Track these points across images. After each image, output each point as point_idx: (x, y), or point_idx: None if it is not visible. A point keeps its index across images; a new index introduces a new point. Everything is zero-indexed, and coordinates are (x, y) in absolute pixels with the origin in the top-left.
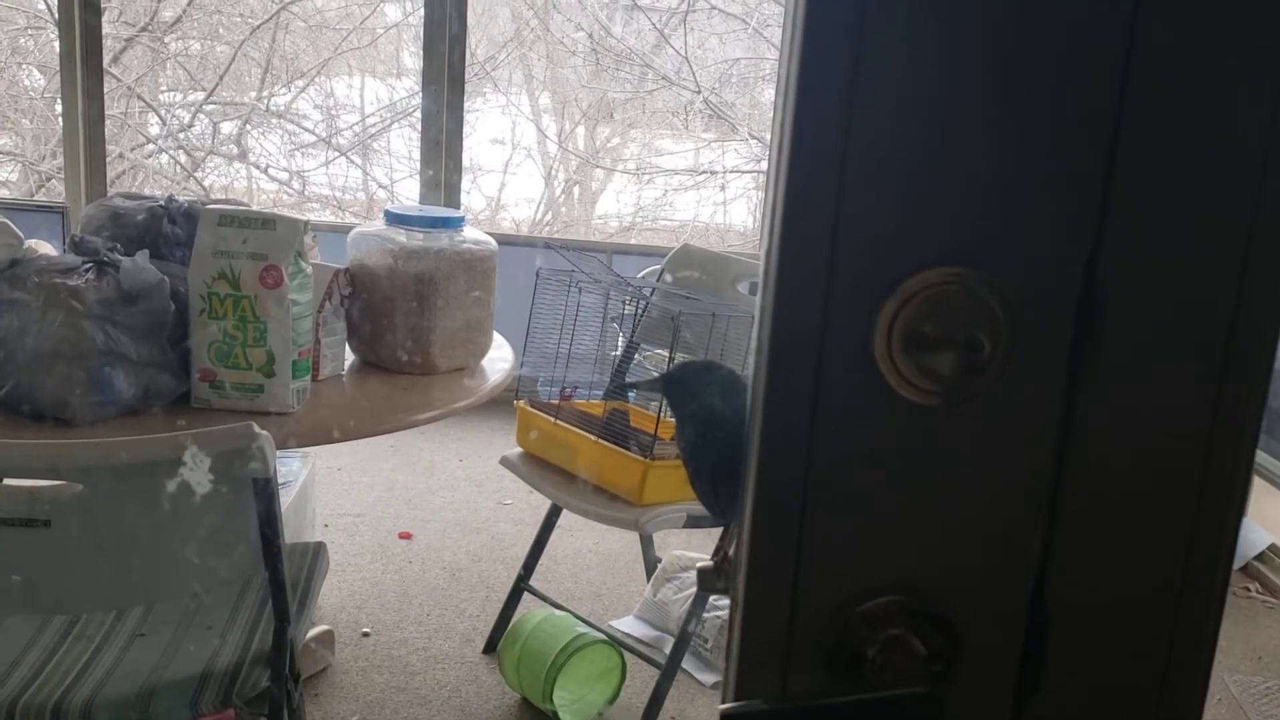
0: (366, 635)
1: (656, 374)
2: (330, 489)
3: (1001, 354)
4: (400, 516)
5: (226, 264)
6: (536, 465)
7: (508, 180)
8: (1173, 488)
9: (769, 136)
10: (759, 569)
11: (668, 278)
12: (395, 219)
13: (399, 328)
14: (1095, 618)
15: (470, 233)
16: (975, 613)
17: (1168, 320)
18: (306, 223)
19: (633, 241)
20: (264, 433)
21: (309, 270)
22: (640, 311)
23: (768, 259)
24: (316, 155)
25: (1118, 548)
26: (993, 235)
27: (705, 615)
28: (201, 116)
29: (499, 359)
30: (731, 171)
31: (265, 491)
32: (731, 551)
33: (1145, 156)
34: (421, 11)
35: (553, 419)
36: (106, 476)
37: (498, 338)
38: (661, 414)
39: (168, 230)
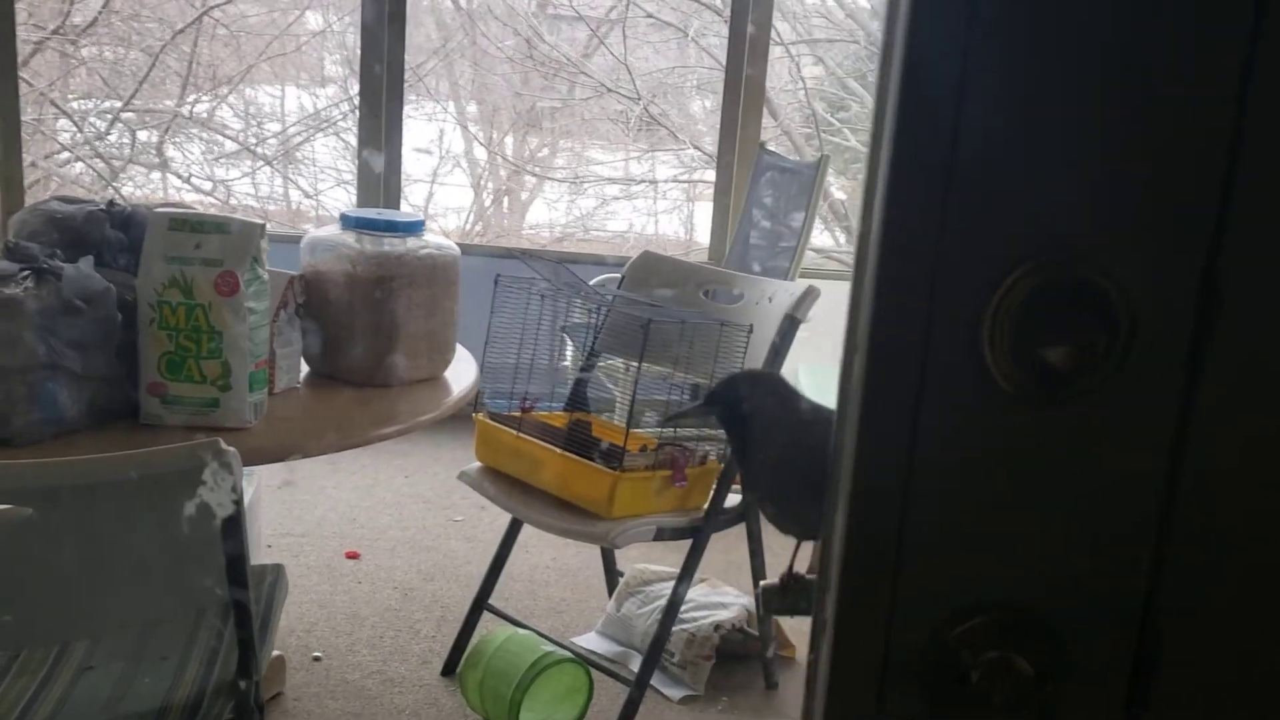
0: (318, 660)
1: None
2: (271, 508)
3: (1118, 350)
4: (346, 536)
5: (178, 270)
6: (497, 480)
7: (435, 190)
8: None
9: (707, 144)
10: (853, 585)
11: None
12: (352, 223)
13: (358, 337)
14: (1211, 633)
15: (431, 237)
16: (1082, 629)
17: None
18: (263, 226)
19: (566, 250)
20: (230, 449)
21: (266, 277)
22: (602, 320)
23: (863, 246)
24: (240, 164)
25: (1234, 558)
26: (1109, 222)
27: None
28: (118, 124)
29: (463, 370)
30: (670, 181)
31: (233, 512)
32: (802, 570)
33: (1268, 143)
34: (346, 19)
35: (514, 432)
36: (51, 499)
37: (459, 348)
38: (630, 426)
39: (110, 235)
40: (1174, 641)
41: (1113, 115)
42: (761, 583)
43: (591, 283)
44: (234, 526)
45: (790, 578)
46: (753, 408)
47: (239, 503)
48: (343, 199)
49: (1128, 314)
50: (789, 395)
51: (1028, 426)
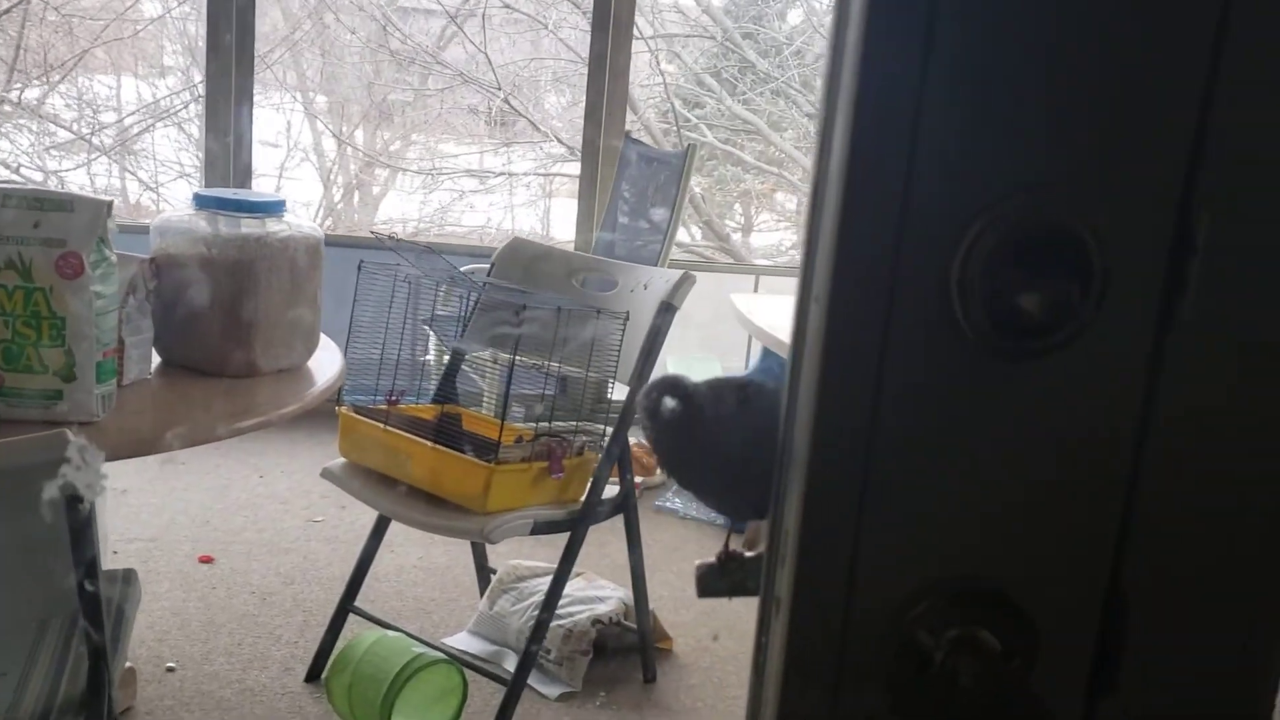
0: (171, 670)
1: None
2: (116, 511)
3: (1092, 300)
4: (199, 539)
5: (15, 251)
6: (362, 476)
7: (283, 184)
8: (1270, 459)
9: (564, 137)
10: (811, 558)
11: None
12: (207, 203)
13: (214, 325)
14: (1178, 607)
15: (292, 219)
16: (1046, 602)
17: (1273, 262)
18: (110, 203)
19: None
20: (80, 440)
21: (114, 259)
22: (470, 310)
23: (819, 190)
24: (74, 155)
25: (1204, 527)
26: (1082, 167)
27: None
28: None
29: (326, 360)
30: (532, 174)
31: (80, 510)
32: (740, 548)
33: (1240, 89)
34: (186, 6)
35: (381, 425)
36: None
37: (323, 338)
38: (505, 418)
39: None
40: (1139, 622)
41: (1085, 57)
42: (697, 562)
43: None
44: (85, 527)
45: (728, 556)
46: (685, 408)
47: (90, 500)
48: (186, 192)
49: (1101, 262)
50: (720, 385)
51: (998, 381)
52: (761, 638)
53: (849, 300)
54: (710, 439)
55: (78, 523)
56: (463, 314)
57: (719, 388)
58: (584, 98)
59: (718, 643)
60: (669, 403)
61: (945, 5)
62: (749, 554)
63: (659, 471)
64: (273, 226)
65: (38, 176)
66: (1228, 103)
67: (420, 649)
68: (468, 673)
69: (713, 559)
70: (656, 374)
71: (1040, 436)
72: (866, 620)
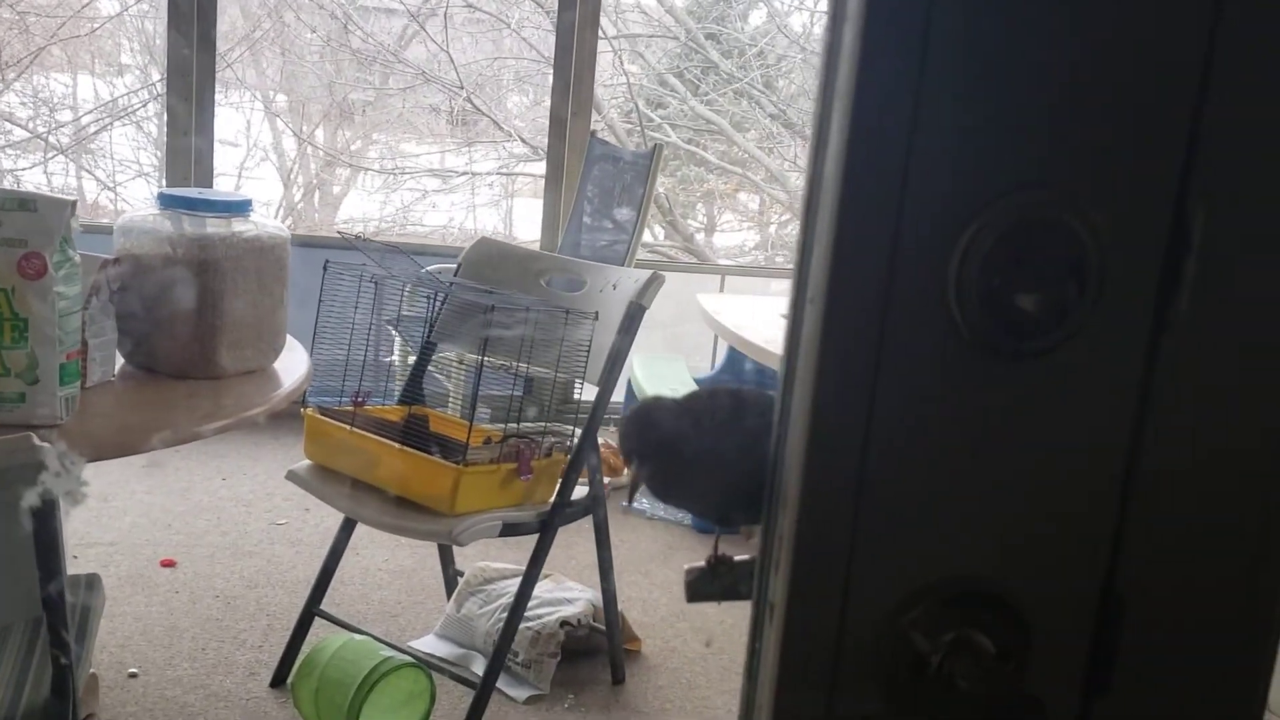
0: (134, 676)
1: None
2: (75, 515)
3: (1091, 295)
4: (160, 543)
5: None
6: (328, 478)
7: (243, 184)
8: (1266, 458)
9: (534, 136)
10: (807, 561)
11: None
12: (172, 202)
13: (179, 326)
14: (1174, 608)
15: (258, 219)
16: (1041, 604)
17: (1268, 260)
18: (73, 203)
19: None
20: (47, 445)
21: (77, 259)
22: (437, 311)
23: (814, 189)
24: (30, 154)
25: (1200, 528)
26: (1083, 158)
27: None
28: None
29: (293, 361)
30: (496, 173)
31: (47, 515)
32: (731, 553)
33: (1240, 80)
34: (145, 4)
35: (348, 427)
36: None
37: (290, 339)
38: (473, 419)
39: None
40: (1135, 623)
41: (1080, 56)
42: (686, 567)
43: (423, 271)
44: (47, 531)
45: (718, 560)
46: (677, 428)
47: (54, 503)
48: (144, 191)
49: (1098, 260)
50: (711, 394)
51: (994, 383)
52: (755, 643)
53: (845, 300)
54: (702, 448)
55: (49, 530)
56: (429, 315)
57: (709, 397)
58: (547, 97)
59: (686, 644)
60: (657, 418)
61: (942, 2)
62: (738, 558)
63: (626, 472)
64: (238, 226)
65: None
66: (1222, 100)
67: (387, 652)
68: (435, 676)
69: (702, 563)
70: (623, 375)
71: (1037, 437)
72: (862, 624)
